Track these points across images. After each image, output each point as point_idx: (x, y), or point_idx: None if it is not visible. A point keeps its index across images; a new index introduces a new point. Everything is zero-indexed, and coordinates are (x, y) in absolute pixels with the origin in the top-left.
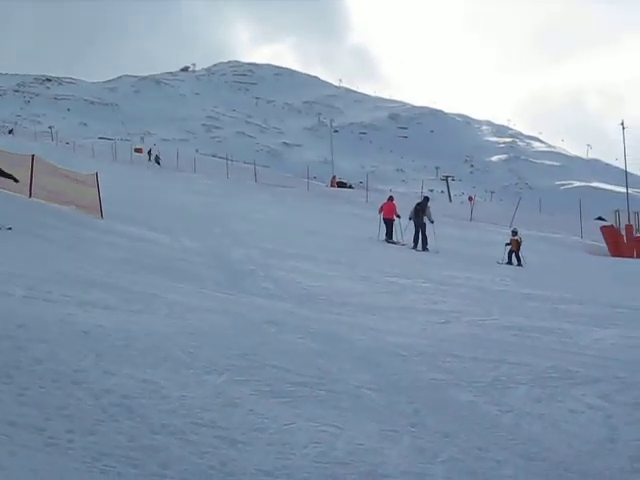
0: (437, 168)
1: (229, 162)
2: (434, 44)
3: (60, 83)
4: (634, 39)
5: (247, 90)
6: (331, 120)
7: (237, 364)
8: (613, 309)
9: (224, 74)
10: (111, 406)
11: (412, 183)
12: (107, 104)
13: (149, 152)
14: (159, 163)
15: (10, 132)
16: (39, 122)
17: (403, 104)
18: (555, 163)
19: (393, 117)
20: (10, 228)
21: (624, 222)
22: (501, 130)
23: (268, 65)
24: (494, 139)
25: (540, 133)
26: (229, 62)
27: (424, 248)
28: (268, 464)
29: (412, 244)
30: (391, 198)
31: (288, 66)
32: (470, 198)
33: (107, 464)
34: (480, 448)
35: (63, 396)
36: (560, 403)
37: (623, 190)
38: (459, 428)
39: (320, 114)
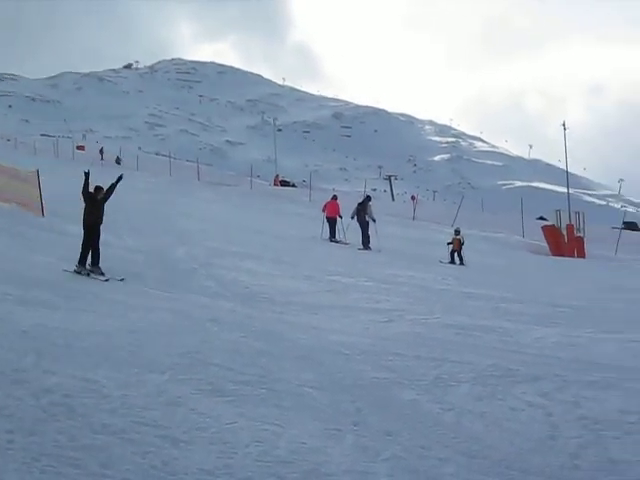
0: (380, 167)
1: (172, 160)
2: (377, 43)
3: (1, 79)
4: (576, 39)
5: (190, 88)
6: (274, 119)
7: (179, 363)
8: (554, 308)
9: (167, 72)
10: (52, 406)
11: (355, 182)
12: (49, 101)
13: (101, 151)
14: (119, 163)
15: None
16: None
17: (346, 103)
18: (497, 163)
19: (337, 116)
20: (123, 279)
21: (565, 222)
22: (444, 130)
23: (211, 63)
24: (437, 139)
25: (481, 133)
26: (172, 60)
27: (366, 247)
28: (210, 463)
29: (361, 245)
30: (335, 197)
31: (231, 64)
32: (413, 197)
33: (47, 464)
34: (422, 446)
35: (2, 396)
36: (501, 401)
37: (564, 190)
38: (402, 426)
39: (264, 112)
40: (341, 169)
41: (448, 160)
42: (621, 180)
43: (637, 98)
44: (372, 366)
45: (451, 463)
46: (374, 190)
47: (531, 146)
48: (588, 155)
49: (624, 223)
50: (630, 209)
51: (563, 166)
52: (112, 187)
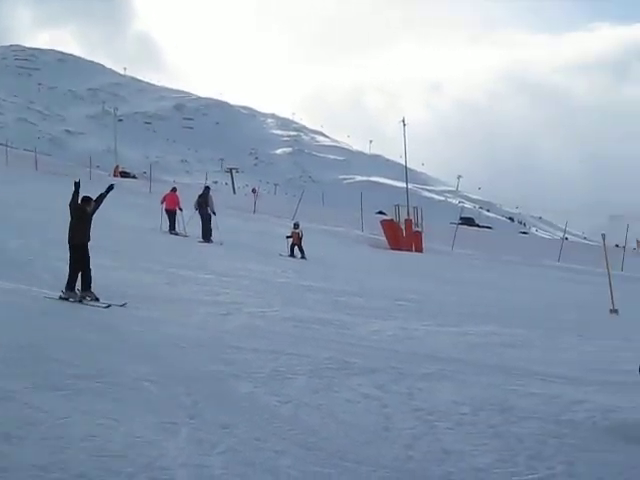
0: (222, 160)
1: (9, 149)
2: (220, 35)
3: None
4: (415, 38)
5: (29, 75)
6: (115, 109)
7: (13, 356)
8: (392, 302)
9: (5, 58)
10: None
11: (197, 174)
12: None
13: None
14: None
15: None
16: None
17: (189, 94)
18: (339, 157)
19: (178, 107)
20: (125, 304)
21: (404, 216)
22: (286, 123)
23: (52, 50)
24: (279, 132)
25: (322, 127)
26: (11, 46)
27: (207, 239)
28: (43, 459)
29: (201, 238)
30: (174, 189)
31: (71, 52)
32: (254, 190)
33: None
34: (259, 439)
35: None
36: (337, 393)
37: (403, 185)
38: (238, 419)
39: (104, 102)
40: (182, 161)
41: (290, 154)
42: (460, 177)
43: (474, 97)
44: (209, 359)
45: (287, 455)
46: (215, 183)
47: (371, 141)
48: (427, 151)
49: (461, 219)
50: (467, 205)
51: (403, 162)
52: (101, 198)
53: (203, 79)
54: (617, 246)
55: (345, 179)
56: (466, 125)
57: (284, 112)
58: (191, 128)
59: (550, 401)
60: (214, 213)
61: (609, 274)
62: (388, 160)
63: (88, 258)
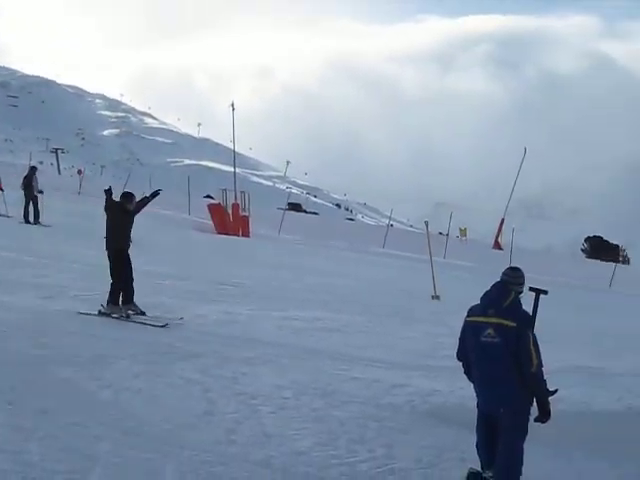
0: (47, 140)
1: None
2: (49, 12)
3: None
4: (245, 22)
5: None
6: None
7: None
8: (217, 286)
9: None
10: None
11: (21, 154)
12: None
13: None
14: None
15: None
16: None
17: (13, 72)
18: (167, 140)
19: (3, 85)
20: (182, 318)
21: (231, 201)
22: (114, 104)
23: None
24: (107, 113)
25: (149, 108)
26: None
27: (35, 221)
28: None
29: (22, 219)
30: None
31: None
32: (79, 171)
33: None
34: (78, 424)
35: None
36: (159, 378)
37: (231, 169)
38: (57, 404)
39: None
40: (6, 140)
41: (117, 135)
42: (288, 162)
43: (305, 84)
44: (30, 343)
45: (107, 440)
46: (41, 163)
47: (200, 124)
48: (257, 136)
49: (288, 204)
50: (295, 190)
51: (232, 146)
52: (145, 201)
53: (30, 57)
54: (441, 234)
55: (173, 162)
56: (296, 111)
57: (113, 93)
58: (15, 106)
59: (371, 385)
60: (41, 192)
61: (431, 261)
62: (217, 144)
63: (130, 266)
